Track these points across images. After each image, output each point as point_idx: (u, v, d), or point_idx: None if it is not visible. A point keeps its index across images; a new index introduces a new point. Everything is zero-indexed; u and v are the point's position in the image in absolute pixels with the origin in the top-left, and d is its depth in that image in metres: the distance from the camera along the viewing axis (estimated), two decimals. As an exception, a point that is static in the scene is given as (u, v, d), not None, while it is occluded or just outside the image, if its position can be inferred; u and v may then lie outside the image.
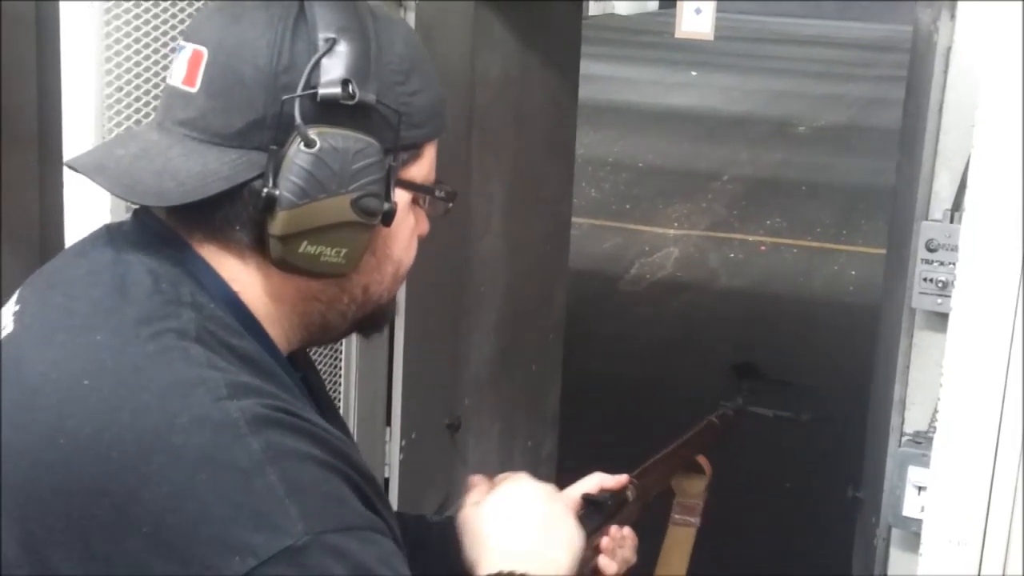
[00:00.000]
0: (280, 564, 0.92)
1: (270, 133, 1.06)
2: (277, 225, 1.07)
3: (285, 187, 1.05)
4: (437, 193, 1.20)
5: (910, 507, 1.75)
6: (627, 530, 1.44)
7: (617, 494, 1.43)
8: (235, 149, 1.07)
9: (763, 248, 8.08)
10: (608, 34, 18.22)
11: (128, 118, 1.48)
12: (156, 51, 1.53)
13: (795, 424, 5.47)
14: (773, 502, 4.36)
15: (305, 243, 1.08)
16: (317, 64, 1.06)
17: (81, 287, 1.07)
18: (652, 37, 19.69)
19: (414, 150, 1.15)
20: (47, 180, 2.46)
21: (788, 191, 9.80)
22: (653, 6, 27.50)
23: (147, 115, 1.51)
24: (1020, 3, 1.26)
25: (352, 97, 1.06)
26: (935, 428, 1.79)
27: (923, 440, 1.80)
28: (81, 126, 1.45)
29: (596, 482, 1.44)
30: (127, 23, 1.48)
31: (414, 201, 1.18)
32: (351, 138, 1.07)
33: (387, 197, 1.11)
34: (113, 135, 1.19)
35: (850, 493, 2.69)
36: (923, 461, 1.72)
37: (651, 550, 1.70)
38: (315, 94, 1.05)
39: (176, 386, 0.98)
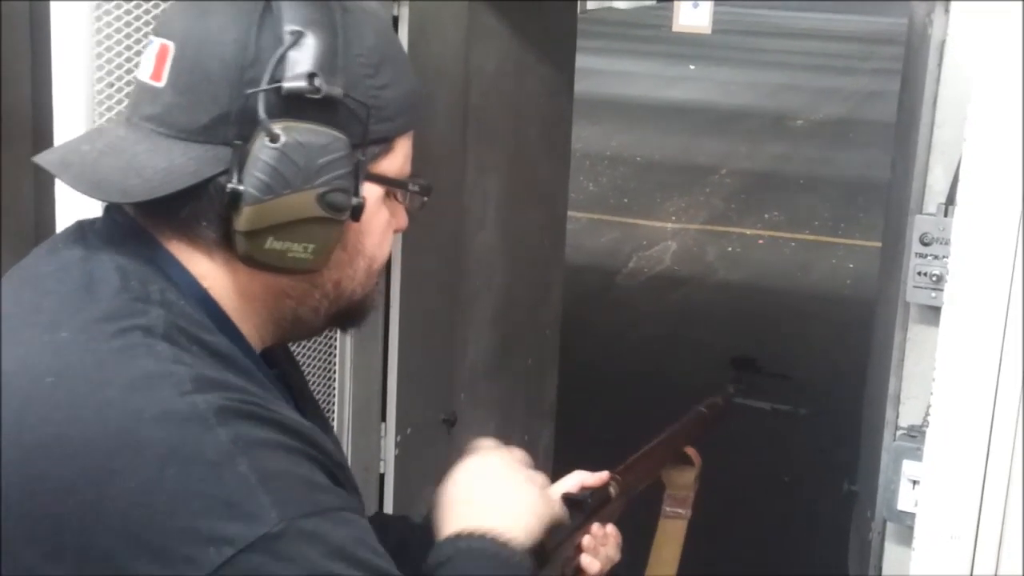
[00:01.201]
0: (257, 552, 0.92)
1: (235, 128, 1.05)
2: (242, 221, 1.06)
3: (250, 183, 1.05)
4: (411, 187, 1.18)
5: (904, 501, 1.75)
6: (610, 527, 1.43)
7: (598, 492, 1.42)
8: (201, 144, 1.06)
9: (761, 242, 8.08)
10: (606, 28, 18.19)
11: (118, 115, 1.48)
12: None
13: (792, 418, 5.49)
14: (770, 496, 4.37)
15: (271, 239, 1.07)
16: (283, 58, 1.05)
17: (50, 283, 1.07)
18: (650, 31, 19.68)
19: (385, 144, 1.13)
20: (41, 177, 2.46)
21: (786, 185, 9.80)
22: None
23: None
24: (1012, -4, 1.26)
25: (318, 91, 1.05)
26: (929, 422, 1.79)
27: (917, 434, 1.80)
28: (72, 125, 1.45)
29: (576, 481, 1.43)
30: (118, 19, 1.47)
31: (388, 195, 1.17)
32: (317, 132, 1.06)
33: (355, 192, 1.10)
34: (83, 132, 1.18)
35: (846, 487, 2.69)
36: (917, 455, 1.72)
37: (644, 544, 1.70)
38: (280, 88, 1.04)
39: (140, 381, 0.97)
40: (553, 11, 3.43)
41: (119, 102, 1.48)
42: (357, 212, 1.11)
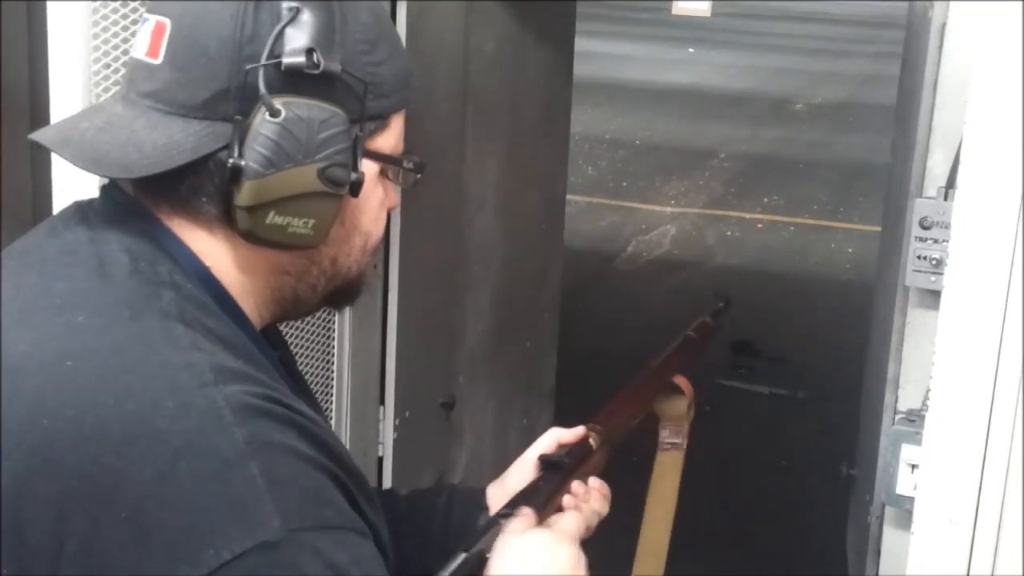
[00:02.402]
0: (254, 558, 0.92)
1: (235, 104, 1.05)
2: (243, 196, 1.06)
3: (251, 157, 1.05)
4: (405, 164, 1.19)
5: (903, 485, 1.75)
6: (594, 481, 1.39)
7: (575, 448, 1.38)
8: (200, 120, 1.06)
9: (760, 226, 8.07)
10: (606, 11, 18.15)
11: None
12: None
13: (791, 402, 5.49)
14: (767, 480, 4.37)
15: (272, 213, 1.08)
16: (281, 33, 1.05)
17: (57, 267, 1.07)
18: (649, 14, 19.63)
19: (380, 120, 1.14)
20: (38, 156, 2.45)
21: (785, 168, 9.78)
22: (651, -18, 27.39)
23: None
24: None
25: (317, 66, 1.05)
26: (928, 406, 1.79)
27: (916, 418, 1.80)
28: (69, 103, 1.45)
29: (552, 439, 1.41)
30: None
31: (382, 173, 1.17)
32: (316, 107, 1.07)
33: (354, 167, 1.10)
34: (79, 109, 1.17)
35: (844, 471, 2.69)
36: (916, 439, 1.72)
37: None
38: (279, 63, 1.04)
39: (161, 369, 0.97)
40: (552, -6, 3.41)
41: (115, 83, 1.47)
42: (356, 187, 1.11)
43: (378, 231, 1.21)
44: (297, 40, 1.05)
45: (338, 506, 1.00)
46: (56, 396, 0.97)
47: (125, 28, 1.48)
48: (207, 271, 1.10)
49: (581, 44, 4.15)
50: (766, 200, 8.70)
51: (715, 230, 7.90)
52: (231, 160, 1.04)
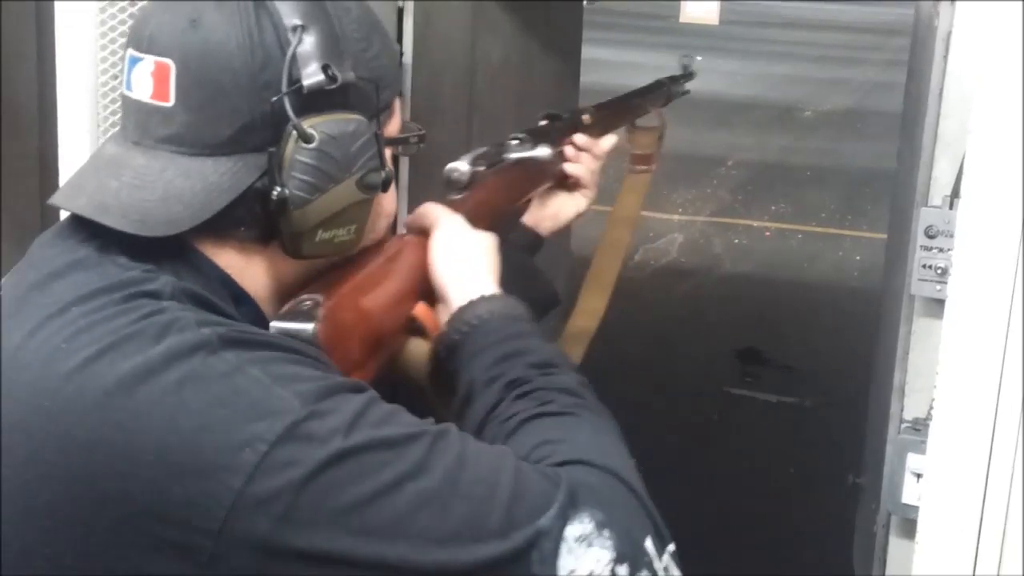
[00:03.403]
0: (289, 441, 0.94)
1: (262, 134, 1.06)
2: (292, 223, 1.08)
3: (293, 186, 1.06)
4: (411, 140, 1.22)
5: (909, 494, 1.74)
6: (586, 139, 1.60)
7: (574, 113, 1.60)
8: (228, 157, 1.07)
9: (768, 234, 8.07)
10: (612, 18, 18.17)
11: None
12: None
13: (798, 410, 5.48)
14: (775, 487, 4.36)
15: (320, 232, 1.10)
16: (294, 56, 1.05)
17: (56, 264, 1.07)
18: (657, 21, 19.63)
19: (388, 110, 1.16)
20: (47, 170, 2.46)
21: (793, 176, 9.77)
22: (659, -10, 27.42)
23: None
24: (1018, -12, 1.26)
25: (335, 80, 1.06)
26: (933, 415, 1.79)
27: (922, 427, 1.79)
28: (77, 117, 1.45)
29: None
30: (122, 10, 1.47)
31: (392, 153, 1.21)
32: (343, 121, 1.08)
33: (382, 165, 1.12)
34: (89, 158, 1.17)
35: (851, 479, 2.69)
36: (922, 448, 1.71)
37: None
38: (300, 87, 1.05)
39: (148, 328, 0.99)
40: (559, 2, 3.42)
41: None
42: (387, 184, 1.15)
43: (394, 205, 1.24)
44: (309, 59, 1.06)
45: (340, 377, 1.04)
46: (53, 376, 0.98)
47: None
48: (227, 275, 1.10)
49: (588, 52, 4.15)
50: (774, 208, 8.69)
51: (723, 238, 7.89)
52: (275, 192, 1.06)
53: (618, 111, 1.76)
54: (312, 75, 1.05)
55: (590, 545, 0.99)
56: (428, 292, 1.29)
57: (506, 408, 1.13)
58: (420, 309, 1.27)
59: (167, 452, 0.93)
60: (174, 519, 0.93)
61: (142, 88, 1.08)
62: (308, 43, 1.06)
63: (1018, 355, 1.27)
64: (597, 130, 1.63)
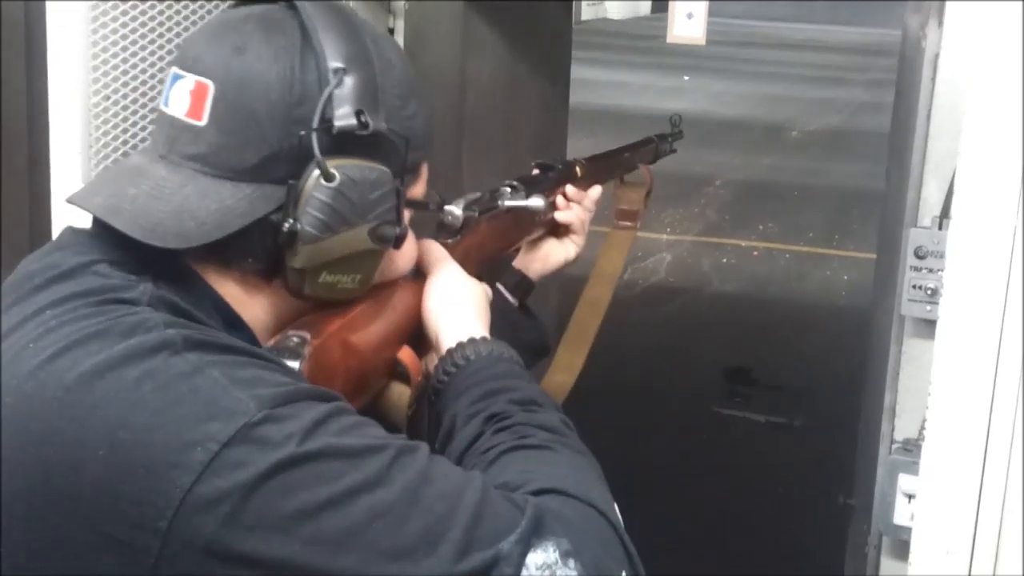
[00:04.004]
0: (241, 443, 0.93)
1: (285, 167, 1.07)
2: (299, 259, 1.09)
3: (306, 221, 1.07)
4: (431, 207, 1.25)
5: (900, 515, 1.74)
6: (576, 192, 1.63)
7: (567, 163, 1.62)
8: (249, 184, 1.07)
9: (756, 253, 8.08)
10: (600, 38, 18.23)
11: (115, 115, 1.48)
12: (142, 52, 1.52)
13: (787, 430, 5.48)
14: (764, 508, 4.36)
15: (324, 273, 1.11)
16: (330, 96, 1.06)
17: (38, 280, 1.07)
18: (644, 42, 19.71)
19: (415, 172, 1.17)
20: (36, 183, 2.45)
21: (781, 196, 9.80)
22: (646, 8, 27.54)
23: (133, 117, 1.50)
24: (1012, 4, 1.26)
25: (366, 127, 1.07)
26: (925, 436, 1.79)
27: (913, 448, 1.79)
28: (68, 132, 1.45)
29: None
30: (114, 19, 1.47)
31: (412, 216, 1.21)
32: (367, 168, 1.09)
33: (398, 221, 1.13)
34: (112, 162, 1.18)
35: (842, 500, 2.68)
36: (913, 469, 1.72)
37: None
38: (330, 126, 1.05)
39: (115, 327, 0.99)
40: (548, 23, 3.43)
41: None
42: (400, 240, 1.15)
43: (408, 267, 1.25)
44: (345, 101, 1.07)
45: (304, 384, 1.03)
46: (16, 375, 0.98)
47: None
48: (224, 302, 1.10)
49: (576, 71, 4.16)
50: (762, 227, 8.71)
51: (711, 257, 7.90)
52: (287, 225, 1.06)
53: (609, 165, 1.79)
54: (344, 117, 1.06)
55: (553, 574, 0.98)
56: (415, 336, 1.29)
57: (486, 441, 1.13)
58: (405, 353, 1.27)
59: (118, 447, 0.93)
60: (123, 516, 0.93)
61: (178, 105, 1.09)
62: (347, 86, 1.07)
63: (1010, 375, 1.27)
64: (587, 182, 1.65)
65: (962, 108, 1.75)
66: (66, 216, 1.45)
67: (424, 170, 1.21)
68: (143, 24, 1.51)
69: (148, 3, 1.52)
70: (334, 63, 1.07)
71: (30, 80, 2.57)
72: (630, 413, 4.94)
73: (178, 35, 1.57)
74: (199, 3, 1.61)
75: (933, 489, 1.31)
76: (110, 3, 1.47)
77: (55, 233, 1.46)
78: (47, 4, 1.46)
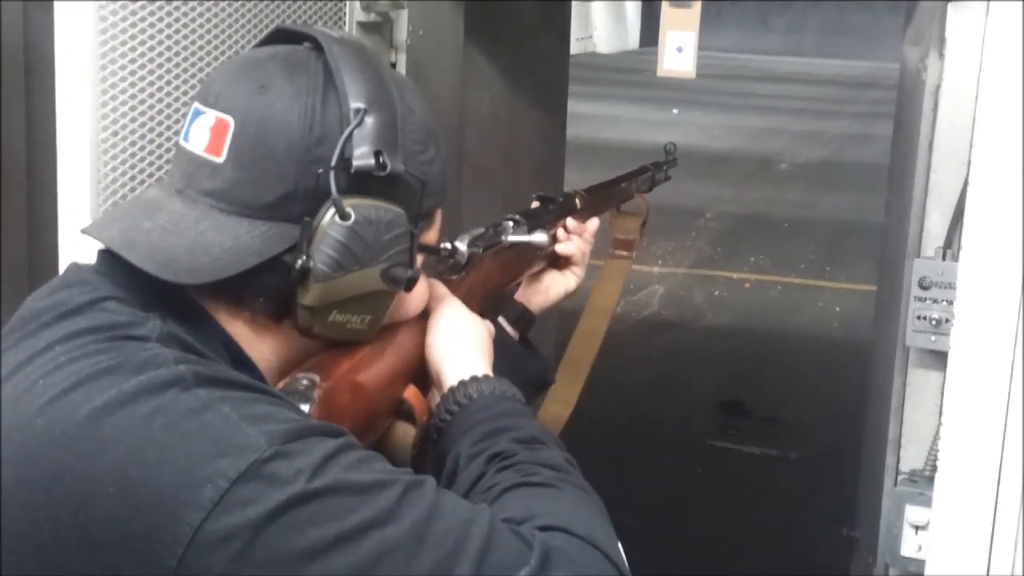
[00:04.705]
0: (252, 480, 0.93)
1: (302, 205, 1.07)
2: (310, 296, 1.09)
3: (319, 259, 1.07)
4: (442, 253, 1.25)
5: (908, 547, 1.74)
6: (576, 224, 1.63)
7: (566, 196, 1.63)
8: (265, 221, 1.08)
9: (748, 285, 8.10)
10: (589, 73, 18.31)
11: (123, 150, 1.48)
12: (151, 88, 1.52)
13: (783, 462, 5.47)
14: (762, 541, 4.34)
15: (335, 313, 1.11)
16: (350, 136, 1.06)
17: (46, 317, 1.07)
18: (634, 75, 19.80)
19: (430, 218, 1.18)
20: (37, 222, 2.45)
21: (771, 228, 9.82)
22: (634, 42, 27.71)
23: (141, 153, 1.50)
24: (1014, 35, 1.27)
25: (384, 168, 1.07)
26: (931, 466, 1.79)
27: (919, 479, 1.79)
28: (77, 166, 1.45)
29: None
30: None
31: (424, 261, 1.22)
32: (382, 209, 1.10)
33: (411, 264, 1.13)
34: (130, 198, 1.18)
35: (845, 532, 2.68)
36: (920, 500, 1.72)
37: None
38: (349, 166, 1.06)
39: (126, 363, 0.99)
40: (544, 57, 3.45)
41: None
42: (411, 283, 1.15)
43: (417, 311, 1.26)
44: (364, 142, 1.07)
45: (313, 420, 1.03)
46: (26, 410, 0.98)
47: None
48: (231, 339, 1.10)
49: (569, 105, 4.18)
50: (753, 259, 8.73)
51: (703, 290, 7.91)
52: (300, 262, 1.06)
53: (607, 195, 1.80)
54: (363, 157, 1.07)
55: None
56: (420, 375, 1.29)
57: (489, 479, 1.12)
58: (411, 392, 1.27)
59: (128, 484, 0.93)
60: (133, 554, 0.92)
61: (198, 140, 1.09)
62: (367, 127, 1.07)
63: (1021, 405, 1.27)
64: (586, 214, 1.66)
65: (965, 139, 1.76)
66: (72, 250, 1.45)
67: (438, 217, 1.22)
68: (151, 60, 1.51)
69: (157, 40, 1.52)
70: (356, 103, 1.08)
71: (28, 128, 2.58)
72: (624, 446, 4.93)
73: (186, 70, 1.57)
74: (213, 45, 1.61)
75: (946, 521, 1.31)
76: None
77: (62, 267, 1.46)
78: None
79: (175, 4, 1.54)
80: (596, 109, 15.51)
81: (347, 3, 1.99)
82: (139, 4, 1.48)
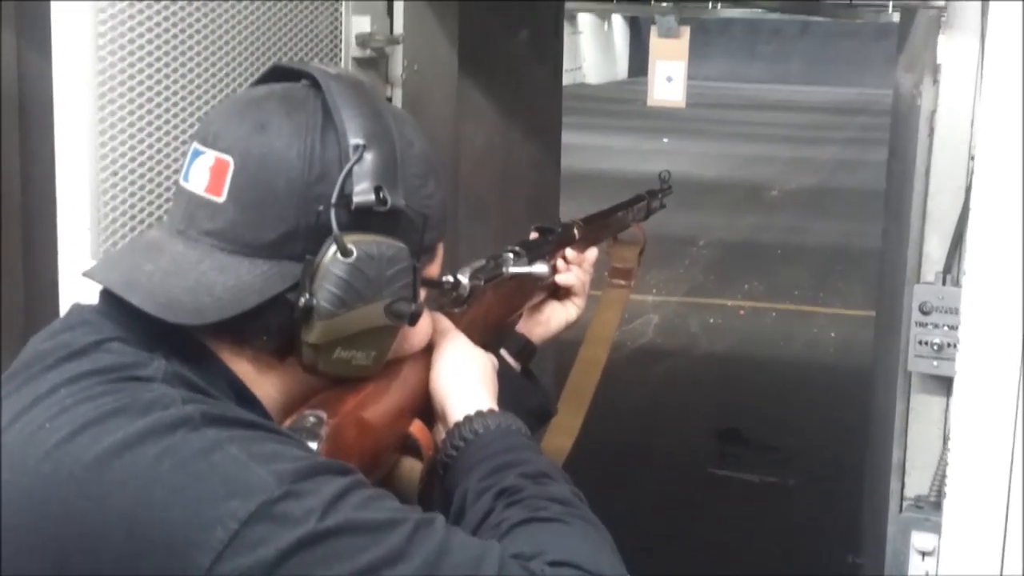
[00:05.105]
0: (261, 520, 0.92)
1: (303, 243, 1.07)
2: (313, 334, 1.08)
3: (322, 296, 1.06)
4: (445, 287, 1.24)
5: (914, 572, 1.73)
6: (575, 255, 1.62)
7: (565, 226, 1.63)
8: (266, 260, 1.07)
9: (742, 312, 8.10)
10: (579, 103, 18.38)
11: (123, 190, 1.47)
12: (150, 128, 1.52)
13: (782, 489, 5.45)
14: (762, 569, 4.33)
15: (339, 349, 1.10)
16: (349, 172, 1.06)
17: (49, 360, 1.06)
18: (622, 105, 19.88)
19: (432, 252, 1.17)
20: (33, 265, 2.45)
21: (764, 255, 9.85)
22: (623, 72, 27.83)
23: (140, 181, 1.50)
24: (1015, 64, 1.28)
25: (385, 203, 1.07)
26: (936, 492, 1.79)
27: (925, 504, 1.79)
28: (76, 208, 1.44)
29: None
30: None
31: (427, 295, 1.20)
32: (384, 244, 1.09)
33: (414, 298, 1.12)
34: (130, 240, 1.17)
35: (850, 559, 2.67)
36: (926, 526, 1.71)
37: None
38: (349, 202, 1.06)
39: (133, 404, 0.98)
40: (538, 88, 3.46)
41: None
42: (415, 318, 1.14)
43: (421, 345, 1.24)
44: (364, 177, 1.07)
45: (321, 458, 1.02)
46: (33, 455, 0.97)
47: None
48: (236, 378, 1.09)
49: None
50: (747, 286, 8.75)
51: (698, 318, 7.92)
52: (303, 300, 1.06)
53: (605, 224, 1.79)
54: (363, 193, 1.06)
55: None
56: (425, 409, 1.29)
57: (497, 516, 1.11)
58: (416, 427, 1.25)
59: (138, 526, 0.92)
60: None
61: (198, 180, 1.09)
62: (366, 162, 1.07)
63: (1029, 430, 1.27)
64: (584, 243, 1.67)
65: (961, 164, 1.76)
66: (73, 292, 1.45)
67: (440, 250, 1.21)
68: (150, 99, 1.51)
69: (155, 80, 1.52)
70: (355, 139, 1.07)
71: (24, 156, 2.57)
72: (623, 474, 4.92)
73: (184, 109, 1.57)
74: (210, 83, 1.61)
75: (955, 547, 1.30)
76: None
77: (62, 309, 1.45)
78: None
79: (173, 44, 1.54)
80: (587, 139, 15.56)
81: (342, 40, 2.00)
82: (136, 44, 1.48)
